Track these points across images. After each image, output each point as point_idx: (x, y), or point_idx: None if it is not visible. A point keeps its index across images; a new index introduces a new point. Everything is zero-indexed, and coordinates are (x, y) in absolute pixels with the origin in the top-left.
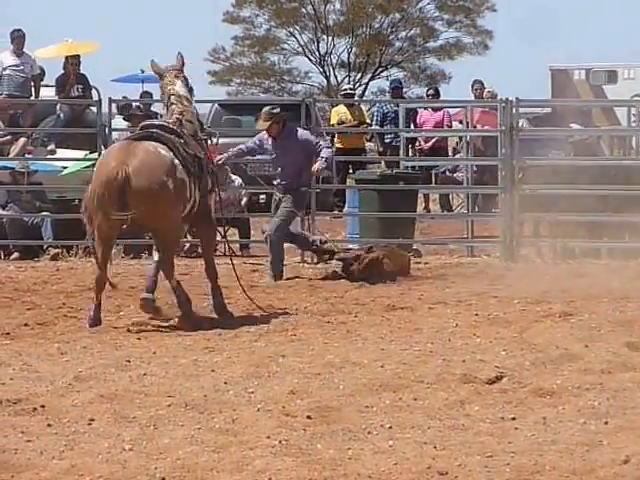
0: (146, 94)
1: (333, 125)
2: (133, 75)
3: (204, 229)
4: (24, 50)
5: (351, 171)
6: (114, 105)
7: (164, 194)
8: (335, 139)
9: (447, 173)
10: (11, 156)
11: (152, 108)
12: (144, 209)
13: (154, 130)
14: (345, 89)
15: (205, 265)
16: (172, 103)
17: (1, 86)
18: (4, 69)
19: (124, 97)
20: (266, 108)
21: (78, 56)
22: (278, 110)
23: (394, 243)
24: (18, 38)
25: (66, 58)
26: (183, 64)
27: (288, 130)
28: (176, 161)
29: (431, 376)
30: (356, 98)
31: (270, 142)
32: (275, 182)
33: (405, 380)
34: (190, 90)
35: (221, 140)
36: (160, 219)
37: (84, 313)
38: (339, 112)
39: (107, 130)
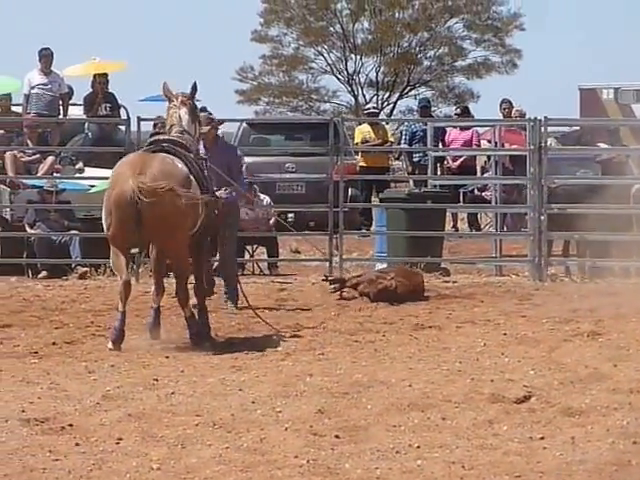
0: None
1: (357, 144)
2: (160, 95)
3: (201, 248)
4: (52, 69)
5: (375, 190)
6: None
7: (179, 207)
8: (358, 157)
9: (475, 192)
10: (39, 175)
11: None
12: (158, 220)
13: (165, 144)
14: (369, 108)
15: (195, 281)
16: (173, 124)
17: (29, 105)
18: (32, 88)
19: (159, 117)
20: (203, 113)
21: (106, 75)
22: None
23: (422, 262)
24: (46, 56)
25: (94, 77)
26: (194, 93)
27: (220, 140)
28: (190, 175)
29: (459, 395)
30: (383, 117)
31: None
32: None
33: (433, 399)
34: (196, 117)
35: (250, 159)
36: (173, 232)
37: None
38: (362, 131)
39: (136, 149)
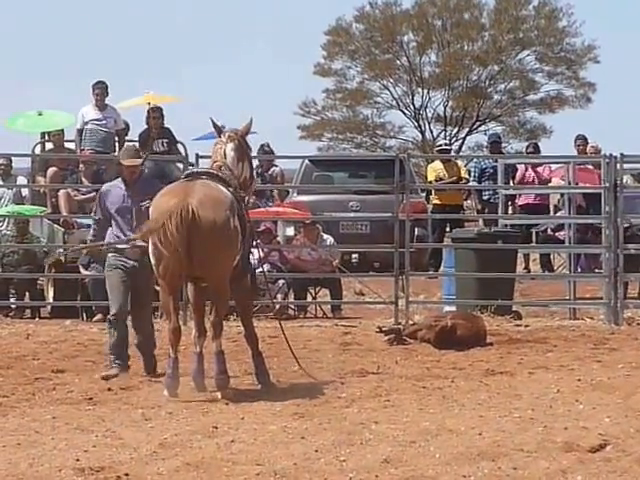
0: None
1: (430, 182)
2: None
3: (242, 290)
4: (107, 103)
5: (448, 229)
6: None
7: (227, 230)
8: (432, 196)
9: (549, 232)
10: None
11: None
12: (205, 246)
13: (204, 176)
14: (440, 144)
15: (244, 330)
16: (216, 160)
17: (84, 141)
18: (86, 123)
19: None
20: (129, 145)
21: (161, 110)
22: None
23: (492, 304)
24: (100, 90)
25: (148, 112)
26: (247, 131)
27: (143, 175)
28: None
29: (531, 444)
30: (452, 154)
31: (124, 187)
32: (124, 240)
33: (504, 448)
34: (244, 155)
35: (313, 197)
36: (219, 259)
37: None
38: (435, 168)
39: None
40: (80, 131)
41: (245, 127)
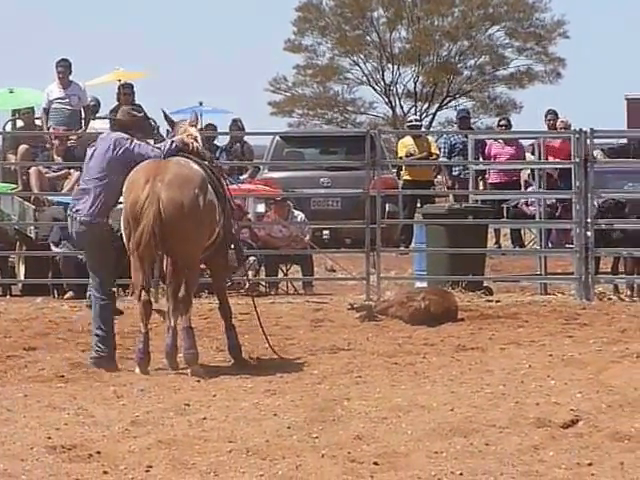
0: (210, 126)
1: (401, 158)
2: (192, 107)
3: (218, 263)
4: (71, 80)
5: (419, 205)
6: None
7: (196, 209)
8: (402, 172)
9: (521, 206)
10: (64, 191)
11: (215, 142)
12: (174, 224)
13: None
14: (411, 120)
15: (218, 303)
16: (188, 134)
17: (50, 119)
18: (51, 102)
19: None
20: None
21: (131, 86)
22: None
23: (463, 280)
24: (63, 67)
25: (118, 88)
26: (196, 123)
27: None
28: (207, 179)
29: (503, 420)
30: (423, 129)
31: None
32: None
33: (476, 424)
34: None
35: (284, 174)
36: (188, 238)
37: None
38: (406, 144)
39: None
40: (46, 110)
41: (193, 119)
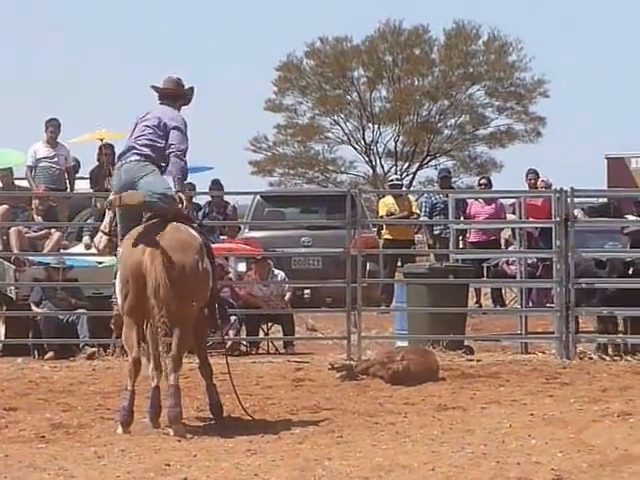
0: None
1: (381, 217)
2: None
3: (200, 323)
4: (58, 141)
5: (400, 264)
6: None
7: (195, 274)
8: (383, 231)
9: (502, 266)
10: (45, 251)
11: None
12: (176, 286)
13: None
14: (392, 179)
15: (199, 361)
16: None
17: (37, 178)
18: (38, 160)
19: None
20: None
21: (112, 146)
22: None
23: (444, 339)
24: (54, 127)
25: (100, 148)
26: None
27: None
28: (204, 244)
29: (485, 479)
30: (403, 188)
31: None
32: None
33: None
34: None
35: (265, 233)
36: (187, 300)
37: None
38: (387, 203)
39: None
40: (32, 168)
41: None
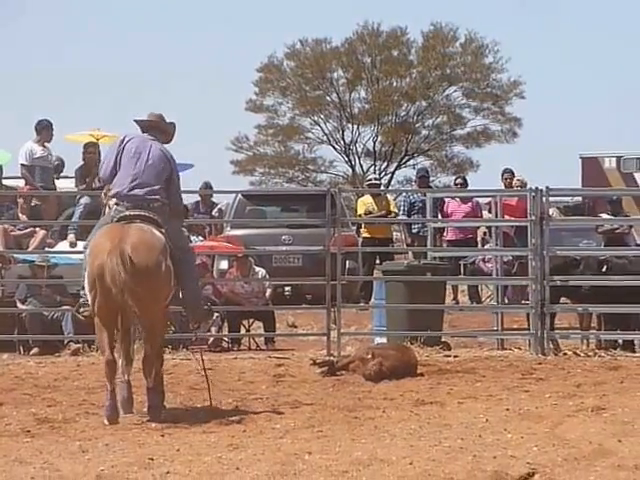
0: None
1: (360, 215)
2: None
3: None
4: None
5: (378, 262)
6: None
7: (159, 273)
8: (362, 229)
9: (478, 263)
10: (30, 249)
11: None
12: (139, 289)
13: (137, 220)
14: (370, 179)
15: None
16: None
17: (35, 177)
18: (35, 160)
19: None
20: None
21: (97, 145)
22: None
23: (422, 336)
24: (47, 128)
25: (84, 147)
26: None
27: None
28: (167, 245)
29: (461, 473)
30: (382, 188)
31: None
32: None
33: (435, 477)
34: None
35: (246, 231)
36: (153, 299)
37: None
38: (365, 202)
39: None
40: (27, 166)
41: None
